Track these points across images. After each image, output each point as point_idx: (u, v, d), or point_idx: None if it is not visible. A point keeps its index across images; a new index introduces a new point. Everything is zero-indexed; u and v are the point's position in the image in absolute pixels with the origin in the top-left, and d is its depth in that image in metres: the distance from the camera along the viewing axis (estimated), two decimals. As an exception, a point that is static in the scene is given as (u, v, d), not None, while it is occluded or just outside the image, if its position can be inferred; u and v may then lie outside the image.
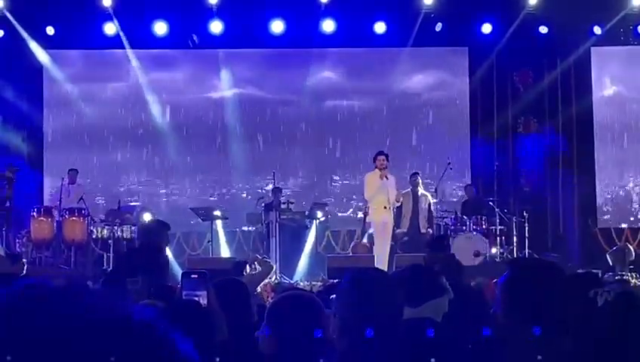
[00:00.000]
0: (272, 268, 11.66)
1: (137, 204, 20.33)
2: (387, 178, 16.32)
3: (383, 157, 16.55)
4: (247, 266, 13.38)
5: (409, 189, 17.86)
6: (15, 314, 1.43)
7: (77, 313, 1.42)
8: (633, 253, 17.37)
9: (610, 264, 17.24)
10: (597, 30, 20.01)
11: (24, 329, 1.40)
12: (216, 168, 21.15)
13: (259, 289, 11.88)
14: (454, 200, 20.10)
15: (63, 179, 18.60)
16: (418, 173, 17.91)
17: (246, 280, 11.40)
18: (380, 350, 3.35)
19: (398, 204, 16.98)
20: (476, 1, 19.98)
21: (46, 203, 19.08)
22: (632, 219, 20.76)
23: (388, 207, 16.39)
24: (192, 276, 4.54)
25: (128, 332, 1.42)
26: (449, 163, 18.18)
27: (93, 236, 18.17)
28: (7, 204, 16.70)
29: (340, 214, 20.88)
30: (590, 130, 20.80)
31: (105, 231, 18.11)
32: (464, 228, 17.95)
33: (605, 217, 20.83)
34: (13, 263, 12.90)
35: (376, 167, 16.49)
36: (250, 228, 19.60)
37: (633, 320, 2.51)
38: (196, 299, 4.41)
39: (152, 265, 8.06)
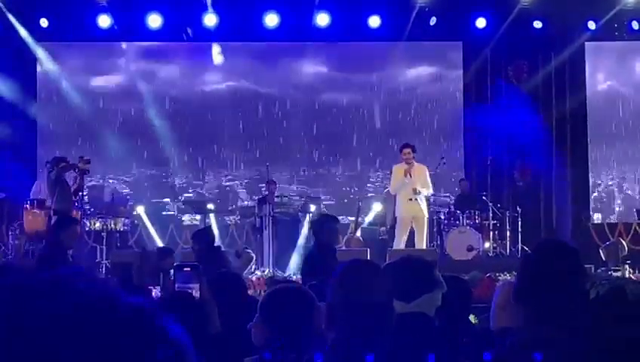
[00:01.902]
0: (253, 258, 11.67)
1: (130, 196, 20.33)
2: (411, 175, 16.01)
3: (408, 149, 16.11)
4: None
5: None
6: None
7: (64, 298, 1.41)
8: (626, 248, 17.41)
9: (604, 259, 17.28)
10: (591, 25, 20.03)
11: (9, 316, 1.39)
12: (209, 161, 21.15)
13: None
14: (447, 195, 20.14)
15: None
16: None
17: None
18: (370, 339, 3.32)
19: (426, 193, 16.56)
20: (471, -4, 20.03)
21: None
22: (624, 213, 20.79)
23: (414, 199, 16.12)
24: (185, 269, 4.54)
25: (117, 317, 1.41)
26: (442, 158, 18.14)
27: (86, 228, 18.13)
28: (80, 195, 16.69)
29: (333, 208, 20.88)
30: (584, 125, 20.83)
31: (98, 223, 18.07)
32: (457, 222, 17.94)
33: (598, 212, 20.86)
34: (162, 258, 12.49)
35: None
36: (242, 221, 19.58)
37: (620, 314, 2.51)
38: (189, 291, 4.41)
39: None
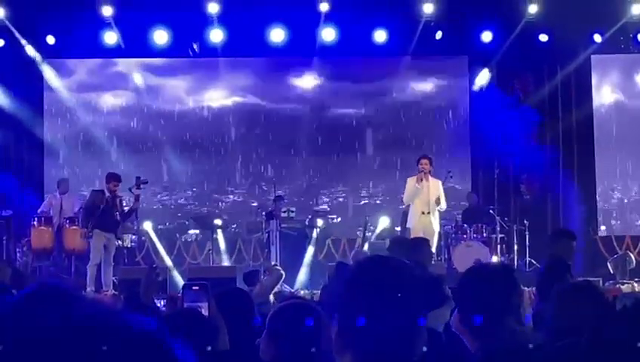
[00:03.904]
0: (282, 275, 11.64)
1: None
2: (421, 181, 15.98)
3: (425, 160, 16.21)
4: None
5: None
6: (14, 322, 1.42)
7: (73, 321, 1.41)
8: (634, 261, 17.37)
9: (611, 272, 17.23)
10: (597, 38, 20.01)
11: (20, 337, 1.39)
12: (216, 176, 21.15)
13: (271, 296, 11.85)
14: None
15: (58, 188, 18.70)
16: None
17: (258, 289, 11.41)
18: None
19: (443, 209, 16.59)
20: (476, 10, 19.96)
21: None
22: (631, 226, 20.74)
23: (426, 212, 16.08)
24: (194, 288, 4.54)
25: (127, 342, 1.42)
26: (449, 171, 18.05)
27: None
28: (134, 216, 16.77)
29: (341, 222, 20.88)
30: (590, 138, 20.78)
31: (105, 240, 18.05)
32: (465, 236, 17.89)
33: (606, 225, 20.81)
34: (250, 283, 11.60)
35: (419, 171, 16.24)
36: (250, 236, 19.57)
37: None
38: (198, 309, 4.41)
39: None
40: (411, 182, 16.26)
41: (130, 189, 16.15)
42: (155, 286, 5.62)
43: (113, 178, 16.20)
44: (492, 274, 4.03)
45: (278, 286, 13.00)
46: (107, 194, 15.98)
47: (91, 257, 15.82)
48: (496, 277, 3.99)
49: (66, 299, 1.46)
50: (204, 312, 4.41)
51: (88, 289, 15.20)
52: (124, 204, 16.48)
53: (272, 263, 12.36)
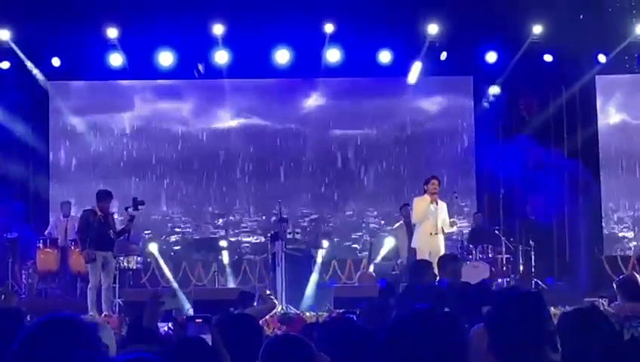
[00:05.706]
0: (275, 305, 11.57)
1: (144, 234, 20.35)
2: (437, 203, 16.01)
3: (436, 181, 16.13)
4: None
5: (401, 221, 17.79)
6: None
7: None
8: (640, 281, 17.29)
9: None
10: (602, 58, 20.03)
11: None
12: (221, 198, 21.16)
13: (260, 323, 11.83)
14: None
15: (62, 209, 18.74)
16: (408, 204, 17.61)
17: (248, 313, 11.36)
18: None
19: (453, 230, 16.60)
20: (481, 30, 20.00)
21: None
22: (638, 246, 20.70)
23: (434, 233, 16.08)
24: (197, 320, 4.56)
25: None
26: (454, 192, 18.02)
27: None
28: (126, 236, 16.59)
29: (345, 243, 20.88)
30: (596, 158, 20.79)
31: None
32: (470, 256, 17.87)
33: (611, 245, 20.77)
34: (243, 304, 11.71)
35: (425, 192, 16.23)
36: (255, 258, 19.57)
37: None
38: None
39: None
40: (422, 202, 16.17)
41: (126, 209, 16.07)
42: (158, 313, 5.61)
43: (107, 196, 16.02)
44: (526, 300, 4.02)
45: (272, 313, 12.98)
46: (99, 213, 15.77)
47: (90, 279, 15.59)
48: (531, 303, 3.99)
49: (69, 338, 1.46)
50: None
51: (90, 313, 15.11)
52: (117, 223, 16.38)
53: (268, 292, 12.31)
